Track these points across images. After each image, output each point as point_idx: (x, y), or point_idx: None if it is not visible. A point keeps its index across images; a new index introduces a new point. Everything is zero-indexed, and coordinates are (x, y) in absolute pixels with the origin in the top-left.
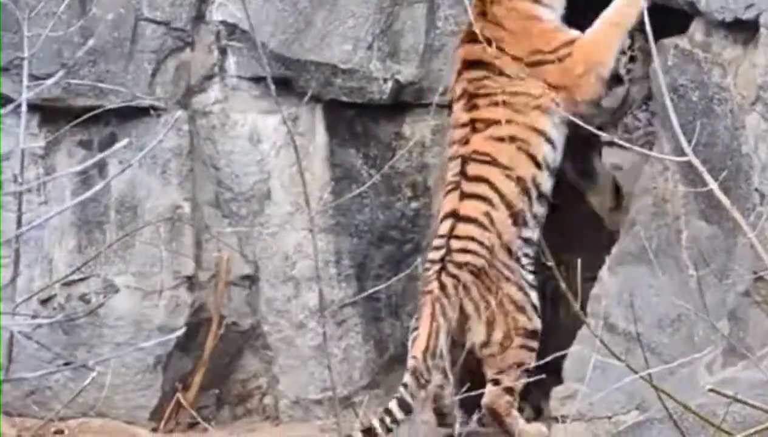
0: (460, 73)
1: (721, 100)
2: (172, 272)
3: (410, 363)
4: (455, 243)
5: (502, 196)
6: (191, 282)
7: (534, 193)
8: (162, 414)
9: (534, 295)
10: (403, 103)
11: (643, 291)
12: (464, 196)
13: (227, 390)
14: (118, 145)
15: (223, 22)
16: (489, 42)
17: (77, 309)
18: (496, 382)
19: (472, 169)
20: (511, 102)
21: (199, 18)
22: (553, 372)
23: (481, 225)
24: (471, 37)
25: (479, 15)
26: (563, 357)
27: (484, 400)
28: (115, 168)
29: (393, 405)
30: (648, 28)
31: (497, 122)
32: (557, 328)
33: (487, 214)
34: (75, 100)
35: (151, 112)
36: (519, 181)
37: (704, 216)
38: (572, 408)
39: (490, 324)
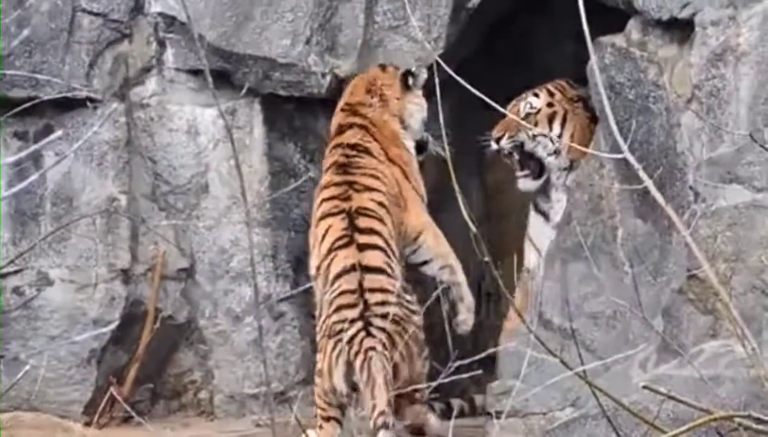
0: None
1: (657, 98)
2: (107, 265)
3: (381, 420)
4: (371, 297)
5: (390, 247)
6: (127, 276)
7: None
8: (96, 408)
9: (419, 314)
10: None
11: (578, 287)
12: (362, 247)
13: (162, 385)
14: (53, 136)
15: (161, 14)
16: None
17: (11, 301)
18: (412, 400)
19: (363, 222)
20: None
21: (137, 10)
22: (488, 368)
23: (387, 273)
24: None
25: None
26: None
27: (407, 422)
28: (51, 159)
29: None
30: (585, 26)
31: (373, 189)
32: (493, 325)
33: (388, 264)
34: (10, 90)
35: (88, 103)
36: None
37: (639, 213)
38: (507, 404)
39: (412, 365)
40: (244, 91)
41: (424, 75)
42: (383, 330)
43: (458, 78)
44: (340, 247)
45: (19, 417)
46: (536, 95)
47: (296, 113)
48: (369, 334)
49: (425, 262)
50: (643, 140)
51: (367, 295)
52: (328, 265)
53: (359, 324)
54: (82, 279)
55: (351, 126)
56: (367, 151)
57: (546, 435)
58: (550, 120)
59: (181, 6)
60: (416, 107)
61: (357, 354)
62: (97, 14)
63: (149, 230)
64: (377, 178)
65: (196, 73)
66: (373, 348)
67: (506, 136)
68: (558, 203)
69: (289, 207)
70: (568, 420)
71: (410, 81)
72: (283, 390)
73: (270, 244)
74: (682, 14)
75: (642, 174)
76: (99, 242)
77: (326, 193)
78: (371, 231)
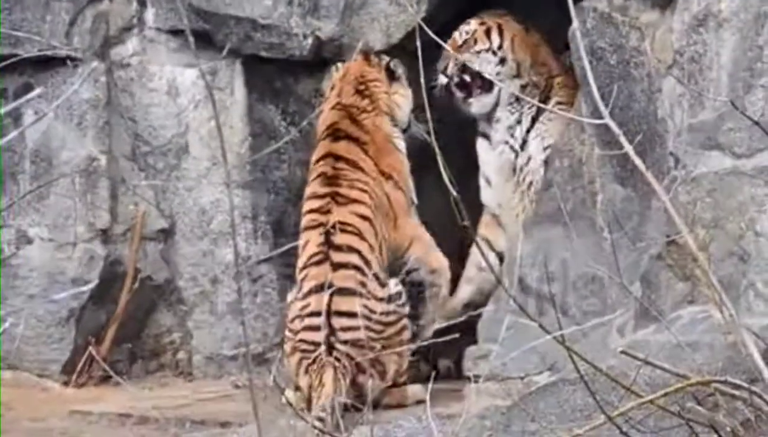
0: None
1: (638, 63)
2: (86, 224)
3: (319, 414)
4: (337, 322)
5: (369, 263)
6: (106, 236)
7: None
8: (74, 367)
9: (404, 311)
10: (323, 59)
11: (557, 252)
12: (336, 266)
13: (141, 345)
14: (32, 94)
15: None
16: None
17: None
18: (393, 384)
19: (340, 238)
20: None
21: None
22: (467, 332)
23: (358, 294)
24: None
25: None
26: (478, 317)
27: (386, 402)
28: (31, 118)
29: None
30: None
31: (357, 201)
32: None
33: (362, 283)
34: None
35: (68, 62)
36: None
37: (619, 179)
38: (485, 368)
39: (383, 377)
40: (224, 51)
41: (401, 68)
42: (347, 355)
43: (441, 41)
44: (314, 264)
45: None
46: (467, 23)
47: (277, 75)
48: (330, 354)
49: (414, 270)
50: (623, 106)
51: (334, 319)
52: (302, 279)
53: (322, 349)
54: (62, 238)
55: (345, 137)
56: (357, 166)
57: (523, 399)
58: (488, 34)
59: None
60: (403, 99)
61: (317, 373)
62: None
63: (129, 190)
64: (364, 191)
65: (176, 33)
66: (330, 363)
67: (450, 63)
68: (498, 123)
69: (270, 168)
70: (545, 384)
71: (396, 73)
72: (261, 351)
73: (250, 206)
74: None
75: (622, 139)
76: (78, 201)
77: (309, 205)
78: (348, 249)
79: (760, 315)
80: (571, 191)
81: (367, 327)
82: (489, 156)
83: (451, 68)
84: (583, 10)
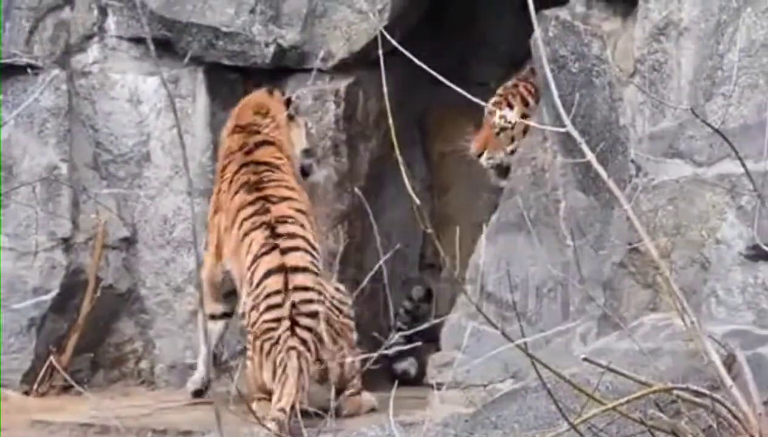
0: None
1: (600, 72)
2: (48, 233)
3: (278, 415)
4: (297, 296)
5: (315, 249)
6: (68, 244)
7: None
8: (35, 377)
9: (348, 303)
10: (286, 67)
11: (520, 260)
12: (285, 251)
13: (102, 354)
14: None
15: None
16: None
17: None
18: (352, 393)
19: (283, 228)
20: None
21: None
22: (430, 340)
23: (312, 272)
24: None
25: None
26: (441, 324)
27: (347, 412)
28: None
29: None
30: None
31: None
32: (435, 296)
33: (313, 263)
34: None
35: (29, 70)
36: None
37: (582, 187)
38: (449, 376)
39: (342, 363)
40: (186, 59)
41: (302, 102)
42: (309, 329)
43: (403, 49)
44: (264, 254)
45: None
46: (510, 106)
47: (239, 83)
48: (294, 333)
49: None
50: (585, 114)
51: (293, 294)
52: (253, 271)
53: (286, 324)
54: (23, 247)
55: (258, 144)
56: (279, 168)
57: (487, 406)
58: (525, 132)
59: None
60: (297, 136)
61: (280, 352)
62: None
63: (90, 199)
64: (292, 189)
65: (138, 41)
66: (294, 348)
67: (485, 154)
68: None
69: None
70: (508, 391)
71: (292, 109)
72: (225, 359)
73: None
74: None
75: (584, 147)
76: (40, 210)
77: (244, 213)
78: (293, 236)
79: (721, 323)
80: (534, 199)
81: (322, 303)
82: None
83: (485, 160)
84: (545, 18)
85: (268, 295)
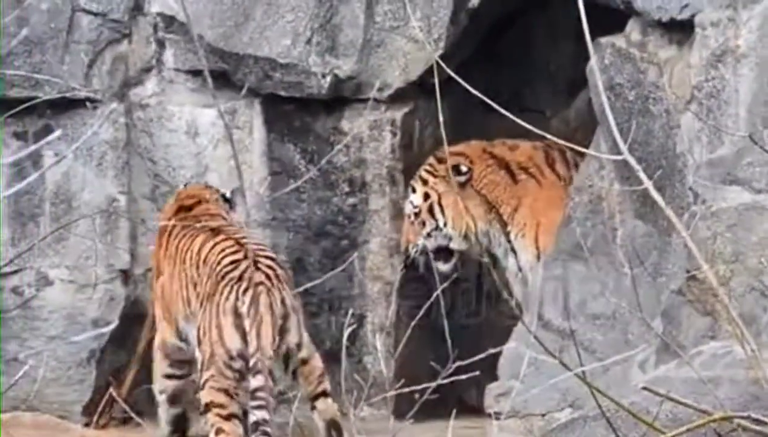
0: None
1: (657, 99)
2: (106, 265)
3: (261, 363)
4: (255, 247)
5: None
6: (126, 276)
7: None
8: (95, 408)
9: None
10: (342, 97)
11: (578, 288)
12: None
13: None
14: (52, 136)
15: (160, 14)
16: None
17: (10, 302)
18: (325, 394)
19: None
20: None
21: (137, 9)
22: (488, 369)
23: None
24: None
25: None
26: (499, 354)
27: (327, 418)
28: (50, 159)
29: (260, 413)
30: (585, 26)
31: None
32: (493, 325)
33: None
34: (10, 90)
35: (87, 103)
36: None
37: (639, 214)
38: (506, 405)
39: (299, 325)
40: (243, 91)
41: (238, 198)
42: (271, 268)
43: (458, 78)
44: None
45: (18, 418)
46: (413, 190)
47: (296, 113)
48: (258, 269)
49: None
50: (642, 141)
51: (250, 245)
52: (204, 258)
53: (246, 263)
54: (82, 279)
55: (198, 202)
56: (221, 215)
57: (545, 436)
58: (431, 212)
59: (180, 6)
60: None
61: (246, 290)
62: (96, 14)
63: (149, 230)
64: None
65: (195, 73)
66: (261, 284)
67: (410, 246)
68: None
69: (289, 207)
70: (566, 421)
71: (231, 202)
72: (281, 390)
73: (269, 245)
74: (681, 15)
75: (642, 175)
76: (98, 242)
77: (221, 256)
78: (262, 247)
79: None
80: (591, 227)
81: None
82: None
83: (412, 252)
84: (601, 46)
85: (222, 251)
